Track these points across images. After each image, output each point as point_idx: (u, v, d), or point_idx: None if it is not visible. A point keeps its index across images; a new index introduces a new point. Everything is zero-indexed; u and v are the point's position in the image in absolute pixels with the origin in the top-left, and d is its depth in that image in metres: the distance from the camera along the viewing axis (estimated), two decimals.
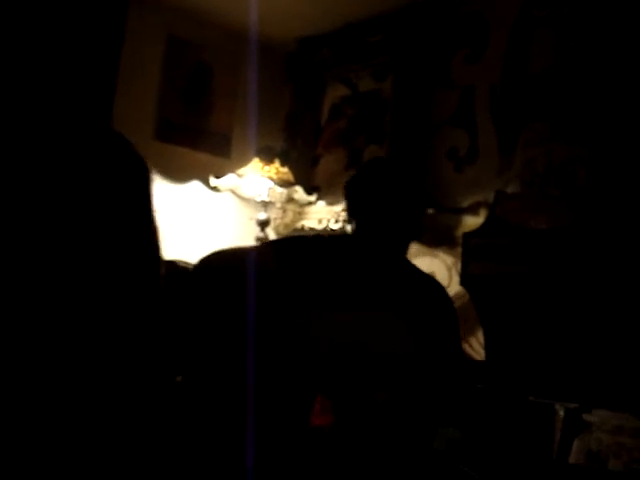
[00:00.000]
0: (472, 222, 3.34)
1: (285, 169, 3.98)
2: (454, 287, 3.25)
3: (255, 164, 3.92)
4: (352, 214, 2.14)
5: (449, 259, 3.44)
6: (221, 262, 2.00)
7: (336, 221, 3.89)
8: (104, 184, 0.92)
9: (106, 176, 0.93)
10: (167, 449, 0.96)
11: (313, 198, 4.06)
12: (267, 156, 3.95)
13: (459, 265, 3.19)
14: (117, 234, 0.93)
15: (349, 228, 2.17)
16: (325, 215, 3.99)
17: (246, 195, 4.06)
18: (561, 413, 2.53)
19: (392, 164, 2.32)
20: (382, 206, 2.08)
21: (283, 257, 2.02)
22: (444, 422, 2.35)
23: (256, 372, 1.80)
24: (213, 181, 4.01)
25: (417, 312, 2.05)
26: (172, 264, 2.98)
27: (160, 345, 0.98)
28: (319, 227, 3.98)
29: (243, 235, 4.10)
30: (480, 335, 3.15)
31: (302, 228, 4.08)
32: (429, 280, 2.22)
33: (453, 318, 2.18)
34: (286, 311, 1.91)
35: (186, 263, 3.37)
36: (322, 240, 2.24)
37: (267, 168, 3.91)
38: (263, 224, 3.95)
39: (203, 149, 4.14)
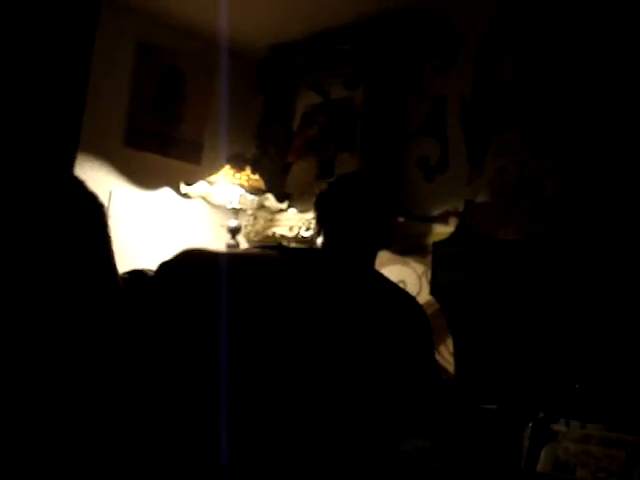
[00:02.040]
0: (442, 231, 3.35)
1: (256, 176, 3.97)
2: (424, 296, 3.26)
3: (226, 171, 3.91)
4: (321, 225, 2.16)
5: (419, 267, 3.45)
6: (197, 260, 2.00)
7: (307, 229, 3.89)
8: (58, 223, 0.92)
9: (60, 216, 0.92)
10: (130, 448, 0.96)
11: (284, 205, 4.06)
12: (238, 163, 3.94)
13: (429, 274, 3.21)
14: (74, 268, 0.92)
15: (318, 241, 2.17)
16: (296, 223, 3.99)
17: (217, 202, 4.04)
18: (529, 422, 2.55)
19: (363, 177, 2.35)
20: (351, 217, 2.10)
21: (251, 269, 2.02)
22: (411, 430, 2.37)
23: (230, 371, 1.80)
24: (184, 188, 4.00)
25: (391, 327, 2.06)
26: (141, 273, 2.96)
27: (118, 352, 0.98)
28: (290, 234, 3.97)
29: (214, 242, 4.08)
30: (450, 343, 3.17)
31: (273, 235, 4.08)
32: (403, 293, 2.24)
33: (427, 331, 2.20)
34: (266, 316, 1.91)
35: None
36: (287, 254, 2.23)
37: (238, 175, 3.90)
38: (234, 231, 3.94)
39: (174, 156, 4.12)
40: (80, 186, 0.98)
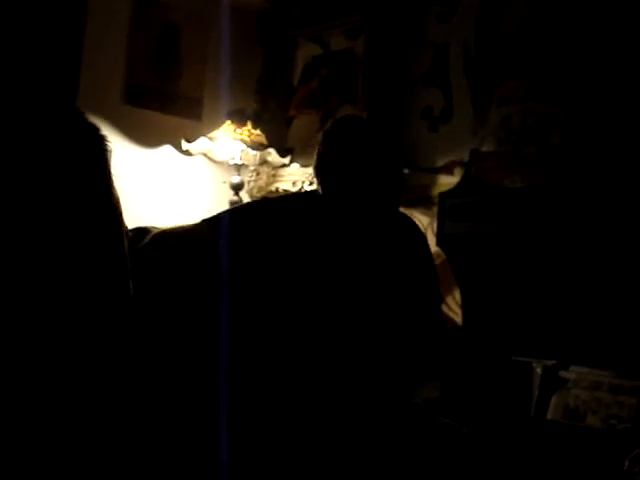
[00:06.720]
0: (447, 181, 3.32)
1: (258, 131, 3.93)
2: (431, 247, 3.23)
3: (227, 127, 3.86)
4: (321, 171, 2.08)
5: (425, 219, 3.42)
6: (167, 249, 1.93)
7: (310, 183, 3.86)
8: (57, 158, 0.88)
9: (58, 150, 0.89)
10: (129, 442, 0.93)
11: (287, 160, 4.02)
12: (239, 118, 3.89)
13: (435, 225, 3.19)
14: (75, 208, 0.89)
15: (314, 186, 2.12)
16: (299, 177, 3.95)
17: (219, 158, 4.00)
18: (538, 370, 2.55)
19: (364, 123, 2.25)
20: (354, 165, 2.02)
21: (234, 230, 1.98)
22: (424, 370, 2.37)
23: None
24: (185, 145, 3.96)
25: (388, 273, 2.03)
26: (145, 231, 2.94)
27: (123, 323, 0.95)
28: (293, 189, 3.94)
29: (217, 199, 4.05)
30: (457, 295, 3.15)
31: (276, 190, 4.05)
32: (404, 232, 2.20)
33: (428, 274, 2.15)
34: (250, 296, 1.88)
35: (159, 229, 3.32)
36: (280, 203, 2.18)
37: (239, 131, 3.85)
38: (237, 187, 3.91)
39: (174, 112, 4.06)
40: (80, 115, 0.94)
